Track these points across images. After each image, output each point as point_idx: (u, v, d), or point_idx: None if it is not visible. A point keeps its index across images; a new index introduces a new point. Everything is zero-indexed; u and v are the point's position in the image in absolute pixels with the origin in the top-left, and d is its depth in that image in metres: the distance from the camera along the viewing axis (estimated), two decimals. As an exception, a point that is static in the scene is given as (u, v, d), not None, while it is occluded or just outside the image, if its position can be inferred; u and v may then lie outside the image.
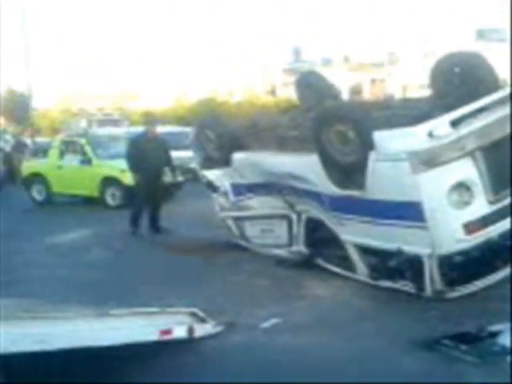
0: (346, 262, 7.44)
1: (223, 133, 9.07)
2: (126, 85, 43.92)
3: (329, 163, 7.02)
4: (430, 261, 6.38)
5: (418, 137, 6.22)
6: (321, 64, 56.59)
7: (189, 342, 5.47)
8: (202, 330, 5.64)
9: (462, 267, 6.39)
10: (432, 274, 6.44)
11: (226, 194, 9.25)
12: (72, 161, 15.66)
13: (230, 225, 9.42)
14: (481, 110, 6.43)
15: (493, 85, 6.92)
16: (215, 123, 9.52)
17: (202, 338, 5.62)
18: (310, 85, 9.46)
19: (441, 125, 6.22)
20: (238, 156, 8.79)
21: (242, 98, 43.76)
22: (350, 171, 6.84)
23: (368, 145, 6.52)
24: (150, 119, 13.14)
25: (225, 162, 8.99)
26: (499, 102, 6.54)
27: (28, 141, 25.29)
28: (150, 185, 11.26)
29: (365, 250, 7.13)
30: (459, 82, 7.05)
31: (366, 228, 6.91)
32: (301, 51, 59.40)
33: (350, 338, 5.68)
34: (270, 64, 51.77)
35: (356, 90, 47.85)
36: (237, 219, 9.28)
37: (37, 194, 16.33)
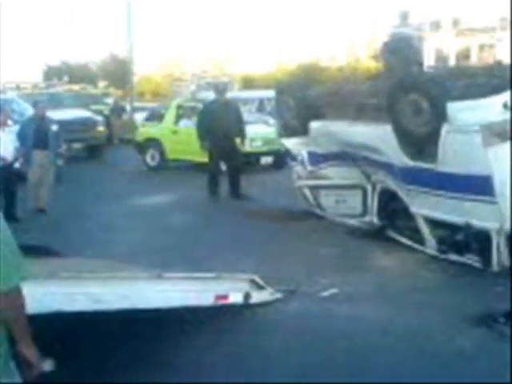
0: (416, 234, 7.37)
1: (302, 100, 9.05)
2: (226, 49, 44.17)
3: (402, 134, 6.94)
4: (498, 236, 6.26)
5: (493, 108, 6.07)
6: (429, 28, 54.92)
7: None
8: (259, 296, 5.78)
9: None
10: (499, 250, 6.31)
11: (303, 162, 9.28)
12: (188, 126, 14.93)
13: (307, 193, 9.47)
14: None
15: None
16: (294, 89, 9.48)
17: (260, 305, 5.76)
18: (396, 50, 9.16)
19: None
20: (314, 125, 8.78)
21: (345, 62, 43.18)
22: (422, 143, 6.75)
23: (441, 116, 6.40)
24: (220, 86, 13.07)
25: (303, 130, 9.00)
26: None
27: (127, 105, 25.88)
28: (223, 152, 11.46)
29: (434, 223, 7.04)
30: None
31: (436, 201, 6.82)
32: (408, 14, 57.78)
33: (407, 311, 5.66)
34: (376, 28, 50.68)
35: (463, 56, 46.22)
36: (313, 188, 9.31)
37: (150, 159, 16.19)
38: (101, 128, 18.79)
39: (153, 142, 16.11)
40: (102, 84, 37.99)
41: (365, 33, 49.29)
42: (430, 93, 6.59)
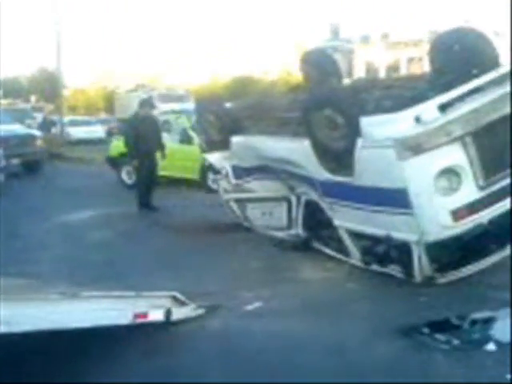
0: (340, 245, 7.40)
1: (222, 114, 9.05)
2: (158, 63, 44.04)
3: (319, 149, 6.94)
4: (418, 247, 6.30)
5: (405, 122, 6.07)
6: (359, 41, 56.00)
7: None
8: (180, 313, 5.68)
9: (452, 253, 6.31)
10: (420, 260, 6.35)
11: (227, 176, 9.25)
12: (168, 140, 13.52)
13: (233, 207, 9.44)
14: (471, 93, 6.25)
15: (493, 63, 6.69)
16: (213, 104, 9.47)
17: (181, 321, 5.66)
18: (315, 63, 9.20)
19: (428, 109, 6.05)
20: (236, 139, 8.76)
21: (277, 76, 43.59)
22: (340, 157, 6.74)
23: (356, 131, 6.41)
24: (144, 100, 13.22)
25: (225, 144, 8.97)
26: (491, 84, 6.34)
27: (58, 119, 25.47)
28: (147, 166, 11.59)
29: (357, 235, 7.07)
30: (459, 59, 6.76)
31: (357, 214, 6.83)
32: (339, 29, 58.87)
33: (331, 324, 5.63)
34: (307, 42, 51.38)
35: (393, 68, 47.31)
36: (239, 201, 9.29)
37: (126, 176, 14.88)
38: (39, 143, 18.70)
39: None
40: (33, 98, 37.34)
41: (296, 46, 49.97)
42: (343, 108, 6.60)
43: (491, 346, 4.88)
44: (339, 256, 7.47)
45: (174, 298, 5.72)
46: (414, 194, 6.06)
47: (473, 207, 6.17)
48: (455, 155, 6.09)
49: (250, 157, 8.58)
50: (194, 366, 4.88)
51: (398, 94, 6.99)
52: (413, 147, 5.97)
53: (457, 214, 6.12)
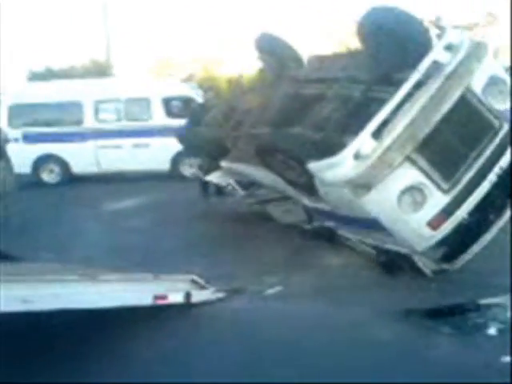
0: None
1: (209, 142, 9.39)
2: (211, 51, 44.18)
3: (288, 182, 7.20)
4: (414, 255, 6.48)
5: (347, 162, 6.04)
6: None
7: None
8: (200, 296, 5.92)
9: (449, 245, 6.45)
10: (422, 260, 6.53)
11: (234, 189, 9.54)
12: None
13: (257, 208, 9.80)
14: (400, 105, 6.08)
15: (423, 46, 6.36)
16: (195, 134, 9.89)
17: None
18: (270, 51, 9.06)
19: (364, 142, 5.99)
20: (224, 164, 9.12)
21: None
22: (310, 188, 6.85)
23: (303, 169, 6.53)
24: None
25: (215, 167, 9.44)
26: (417, 88, 6.13)
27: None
28: None
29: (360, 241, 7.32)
30: (387, 40, 6.51)
31: (350, 230, 7.15)
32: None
33: (341, 307, 5.86)
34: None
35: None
36: (261, 202, 9.59)
37: None
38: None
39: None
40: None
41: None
42: (291, 153, 6.81)
43: (492, 331, 5.01)
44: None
45: (194, 282, 5.96)
46: (385, 220, 6.16)
47: (446, 211, 6.19)
48: (408, 175, 6.08)
49: (243, 176, 8.92)
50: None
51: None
52: (363, 185, 6.02)
53: (433, 224, 6.18)
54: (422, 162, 6.06)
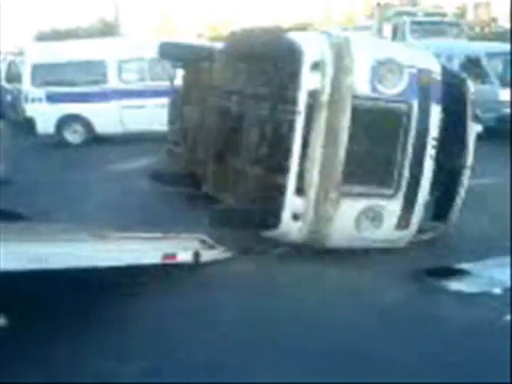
0: None
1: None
2: (221, 12, 43.72)
3: None
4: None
5: (290, 225, 6.16)
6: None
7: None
8: (209, 255, 6.00)
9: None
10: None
11: None
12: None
13: None
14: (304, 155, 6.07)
15: (294, 67, 6.18)
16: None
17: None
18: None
19: (293, 203, 6.06)
20: None
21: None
22: None
23: None
24: None
25: None
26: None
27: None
28: None
29: None
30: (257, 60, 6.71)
31: None
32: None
33: (347, 269, 5.94)
34: None
35: (460, 14, 45.80)
36: None
37: None
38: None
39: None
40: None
41: None
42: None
43: (497, 290, 5.10)
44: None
45: (202, 241, 6.04)
46: (359, 246, 6.24)
47: (407, 208, 6.19)
48: (351, 205, 6.06)
49: None
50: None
51: None
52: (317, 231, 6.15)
53: (401, 225, 6.21)
54: (356, 188, 6.05)
